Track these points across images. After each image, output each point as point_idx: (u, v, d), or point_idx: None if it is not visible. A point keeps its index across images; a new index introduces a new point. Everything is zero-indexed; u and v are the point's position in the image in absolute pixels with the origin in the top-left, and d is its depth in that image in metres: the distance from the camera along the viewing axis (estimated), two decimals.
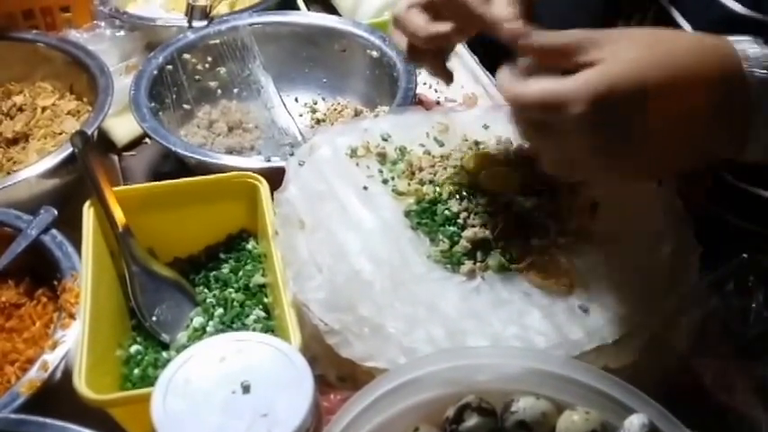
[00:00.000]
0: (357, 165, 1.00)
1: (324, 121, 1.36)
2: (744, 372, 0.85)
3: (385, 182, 0.99)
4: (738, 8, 1.02)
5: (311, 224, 0.93)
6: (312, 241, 0.92)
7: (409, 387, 0.75)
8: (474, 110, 1.14)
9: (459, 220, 0.92)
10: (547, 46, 0.77)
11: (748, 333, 0.85)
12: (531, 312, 0.85)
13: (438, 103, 1.39)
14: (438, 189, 0.96)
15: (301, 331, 0.85)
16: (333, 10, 1.57)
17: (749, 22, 1.03)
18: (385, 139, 1.04)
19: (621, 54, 0.72)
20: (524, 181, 0.96)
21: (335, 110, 1.37)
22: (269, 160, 1.11)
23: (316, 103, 1.40)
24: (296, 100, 1.41)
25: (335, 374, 0.87)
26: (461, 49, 1.53)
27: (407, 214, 0.94)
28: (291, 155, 1.04)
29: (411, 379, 0.75)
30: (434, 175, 0.99)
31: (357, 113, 1.35)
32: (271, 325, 0.96)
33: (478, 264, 0.89)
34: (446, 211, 0.93)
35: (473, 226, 0.91)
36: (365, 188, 0.97)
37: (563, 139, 0.75)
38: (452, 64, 1.50)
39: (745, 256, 0.85)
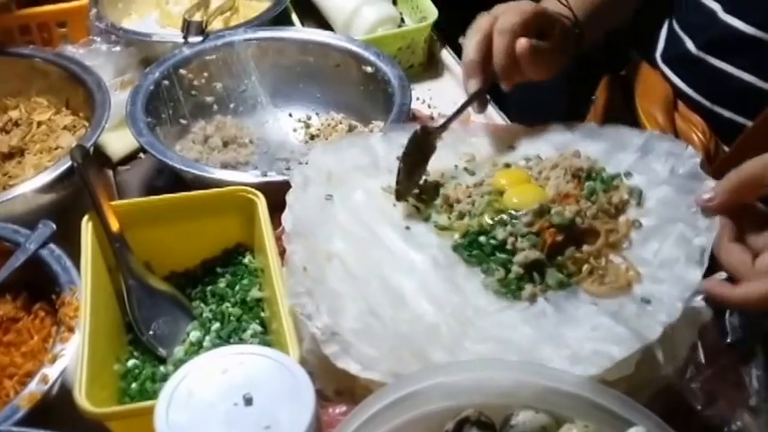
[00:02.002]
0: (394, 205, 1.00)
1: (318, 136, 1.36)
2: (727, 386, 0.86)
3: (426, 219, 0.99)
4: (743, 27, 1.03)
5: (362, 274, 0.91)
6: (368, 293, 0.90)
7: (408, 401, 0.75)
8: (494, 132, 1.14)
9: (508, 246, 0.92)
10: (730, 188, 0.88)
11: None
12: (603, 322, 0.84)
13: (432, 118, 1.40)
14: (479, 219, 0.96)
15: (299, 346, 0.85)
16: (327, 26, 1.58)
17: (753, 42, 1.05)
18: None
19: None
20: (552, 194, 0.98)
21: (329, 125, 1.38)
22: (266, 175, 1.12)
23: (310, 119, 1.40)
24: (290, 115, 1.41)
25: (333, 389, 0.87)
26: (455, 65, 1.55)
27: (456, 249, 0.94)
28: (288, 168, 1.05)
29: (410, 393, 0.75)
30: (473, 204, 0.99)
31: (351, 129, 1.35)
32: (268, 339, 0.96)
33: (539, 286, 0.89)
34: (492, 240, 0.93)
35: (522, 249, 0.91)
36: (407, 228, 0.97)
37: None
38: (445, 79, 1.54)
39: None
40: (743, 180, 0.87)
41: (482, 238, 0.94)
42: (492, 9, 1.09)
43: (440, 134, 1.07)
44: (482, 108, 1.12)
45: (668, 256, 0.90)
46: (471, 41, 1.08)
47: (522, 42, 1.04)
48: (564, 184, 0.98)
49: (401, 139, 1.06)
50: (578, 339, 0.83)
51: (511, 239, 0.92)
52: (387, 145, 1.08)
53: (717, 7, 1.12)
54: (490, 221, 0.95)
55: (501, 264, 0.91)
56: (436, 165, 1.06)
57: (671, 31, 1.23)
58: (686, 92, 1.19)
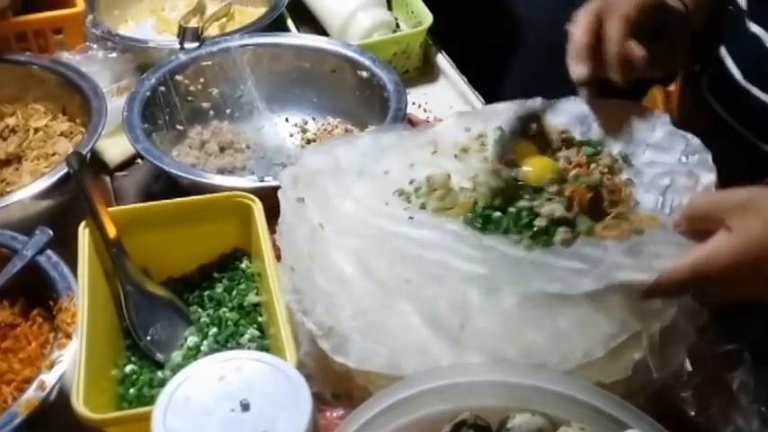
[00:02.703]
0: (387, 204, 0.98)
1: (314, 141, 1.37)
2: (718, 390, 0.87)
3: (423, 207, 0.97)
4: None
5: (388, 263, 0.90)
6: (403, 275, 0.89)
7: (406, 404, 0.76)
8: (446, 120, 1.12)
9: (531, 209, 0.92)
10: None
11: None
12: (646, 247, 0.85)
13: (427, 122, 1.40)
14: (481, 190, 0.95)
15: (296, 349, 0.85)
16: (323, 31, 1.58)
17: None
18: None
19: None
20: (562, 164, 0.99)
21: (326, 130, 1.38)
22: (262, 180, 1.12)
23: (306, 123, 1.41)
24: (286, 120, 1.41)
25: (331, 392, 0.88)
26: (450, 70, 1.55)
27: (469, 222, 0.93)
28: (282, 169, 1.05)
29: (408, 396, 0.76)
30: (473, 189, 0.97)
31: (347, 133, 1.36)
32: (265, 344, 0.97)
33: (570, 234, 0.89)
34: (512, 209, 0.93)
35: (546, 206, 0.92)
36: (411, 218, 0.95)
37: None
38: (441, 84, 1.54)
39: None
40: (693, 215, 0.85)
41: (496, 215, 0.93)
42: None
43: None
44: (593, 96, 1.05)
45: (677, 204, 0.91)
46: (580, 23, 1.00)
47: (634, 48, 0.97)
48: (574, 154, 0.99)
49: (389, 139, 1.07)
50: (627, 263, 0.83)
51: (535, 204, 0.92)
52: (375, 144, 1.08)
53: (761, 32, 1.06)
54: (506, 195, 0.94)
55: (525, 225, 0.91)
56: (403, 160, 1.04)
57: (718, 57, 1.16)
58: (729, 121, 1.13)
